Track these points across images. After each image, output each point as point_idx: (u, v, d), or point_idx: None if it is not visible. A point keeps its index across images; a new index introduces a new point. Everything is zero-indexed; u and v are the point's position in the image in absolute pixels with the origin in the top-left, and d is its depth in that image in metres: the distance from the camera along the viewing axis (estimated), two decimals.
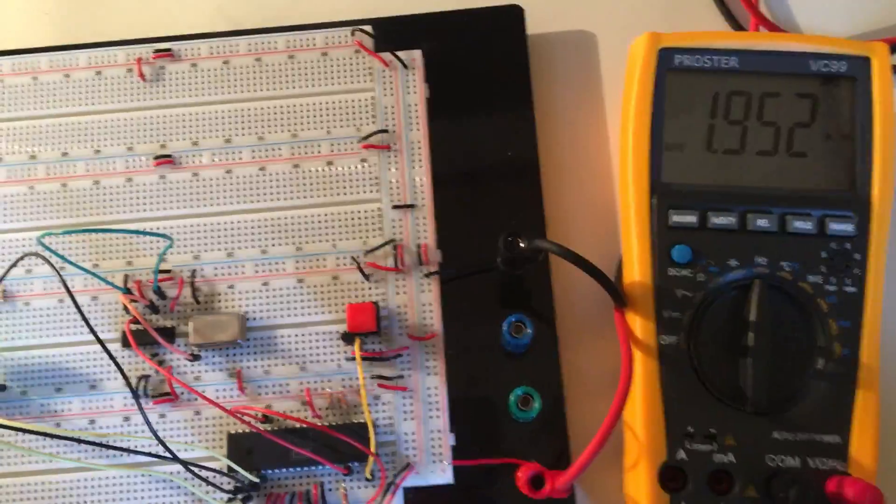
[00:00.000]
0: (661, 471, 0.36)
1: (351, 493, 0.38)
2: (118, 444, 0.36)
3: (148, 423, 0.34)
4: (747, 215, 0.37)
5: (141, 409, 0.33)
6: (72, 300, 0.33)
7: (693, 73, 0.39)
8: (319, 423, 0.38)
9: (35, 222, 0.41)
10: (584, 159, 0.44)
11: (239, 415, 0.37)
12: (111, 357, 0.34)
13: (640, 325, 0.37)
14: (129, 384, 0.34)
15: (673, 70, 0.39)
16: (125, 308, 0.40)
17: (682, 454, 0.36)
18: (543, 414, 0.38)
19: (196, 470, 0.37)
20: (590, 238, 0.42)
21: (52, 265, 0.34)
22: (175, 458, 0.35)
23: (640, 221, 0.37)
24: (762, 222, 0.37)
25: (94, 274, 0.37)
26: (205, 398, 0.36)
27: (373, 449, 0.36)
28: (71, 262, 0.36)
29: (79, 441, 0.35)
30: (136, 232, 0.35)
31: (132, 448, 0.36)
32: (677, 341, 0.36)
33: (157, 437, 0.34)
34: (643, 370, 0.36)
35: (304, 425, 0.38)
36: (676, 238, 0.37)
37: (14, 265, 0.37)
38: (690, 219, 0.37)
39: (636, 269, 0.37)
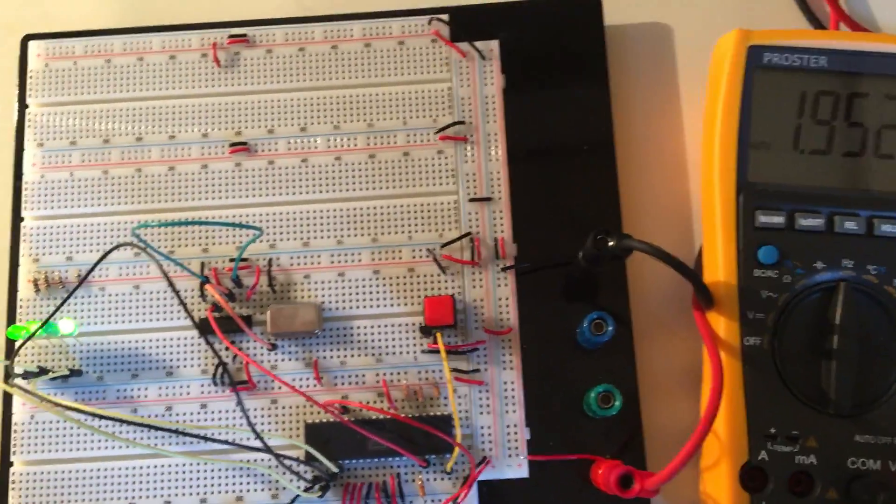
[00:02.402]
0: (742, 471, 0.36)
1: (427, 486, 0.38)
2: (203, 434, 0.37)
3: (244, 412, 0.35)
4: (834, 217, 0.37)
5: (239, 399, 0.34)
6: (171, 288, 0.34)
7: (781, 72, 0.38)
8: (401, 415, 0.38)
9: (109, 207, 0.41)
10: (659, 153, 0.43)
11: (328, 406, 0.37)
12: (210, 346, 0.34)
13: (723, 325, 0.37)
14: (230, 379, 0.34)
15: (761, 68, 0.38)
16: (202, 296, 0.40)
17: (763, 455, 0.36)
18: (619, 411, 0.38)
19: (273, 459, 0.37)
20: (663, 232, 0.42)
21: (150, 255, 0.34)
22: (266, 449, 0.35)
23: (725, 221, 0.37)
24: (850, 225, 0.37)
25: (180, 265, 0.37)
26: (294, 389, 0.36)
27: (458, 440, 0.36)
28: (162, 254, 0.36)
29: (166, 430, 0.35)
30: (232, 224, 0.35)
31: (213, 437, 0.36)
32: (761, 342, 0.36)
33: (252, 427, 0.34)
34: (726, 371, 0.36)
35: (384, 416, 0.38)
36: (763, 239, 0.37)
37: (106, 255, 0.36)
38: (778, 219, 0.37)
39: (721, 269, 0.37)
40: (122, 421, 0.36)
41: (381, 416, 0.38)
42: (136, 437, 0.38)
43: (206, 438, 0.36)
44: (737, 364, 0.36)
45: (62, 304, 0.37)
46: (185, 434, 0.37)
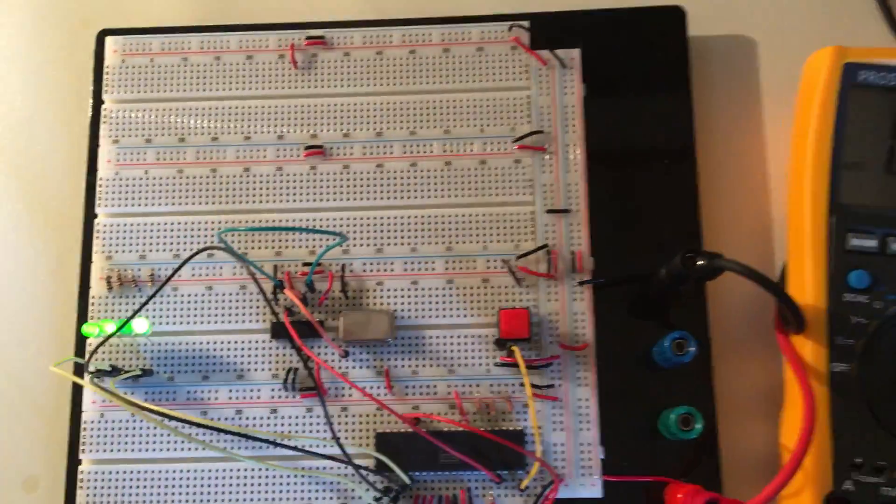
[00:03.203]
0: (825, 501, 0.35)
1: (498, 502, 0.37)
2: (277, 440, 0.36)
3: (328, 419, 0.34)
4: None
5: (323, 404, 0.34)
6: (259, 290, 0.34)
7: (877, 91, 0.37)
8: (478, 429, 0.37)
9: (184, 206, 0.41)
10: (741, 168, 0.42)
11: (407, 419, 0.36)
12: (296, 348, 0.34)
13: (810, 350, 0.36)
14: (314, 383, 0.33)
15: (856, 86, 0.37)
16: (275, 299, 0.39)
17: (848, 485, 0.35)
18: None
19: (343, 467, 0.36)
20: (743, 250, 0.41)
21: (237, 256, 0.34)
22: (346, 457, 0.35)
23: (815, 243, 0.36)
24: None
25: (259, 269, 0.37)
26: (372, 398, 0.35)
27: (538, 454, 0.35)
28: (244, 259, 0.35)
29: (242, 436, 0.34)
30: (315, 231, 0.34)
31: (287, 443, 0.36)
32: (849, 369, 0.35)
33: (334, 435, 0.35)
34: None
35: (462, 428, 0.37)
36: (854, 262, 0.36)
37: (192, 256, 0.36)
38: (870, 243, 0.36)
39: (808, 292, 0.36)
40: (199, 425, 0.35)
41: (455, 429, 0.38)
42: (207, 440, 0.38)
43: (280, 445, 0.36)
44: (823, 390, 0.35)
45: (144, 305, 0.37)
46: (258, 440, 0.36)
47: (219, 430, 0.33)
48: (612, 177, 0.41)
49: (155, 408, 0.31)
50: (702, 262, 0.34)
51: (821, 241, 0.36)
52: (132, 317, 0.36)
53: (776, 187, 0.42)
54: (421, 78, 0.42)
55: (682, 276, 0.35)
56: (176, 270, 0.37)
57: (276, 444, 0.35)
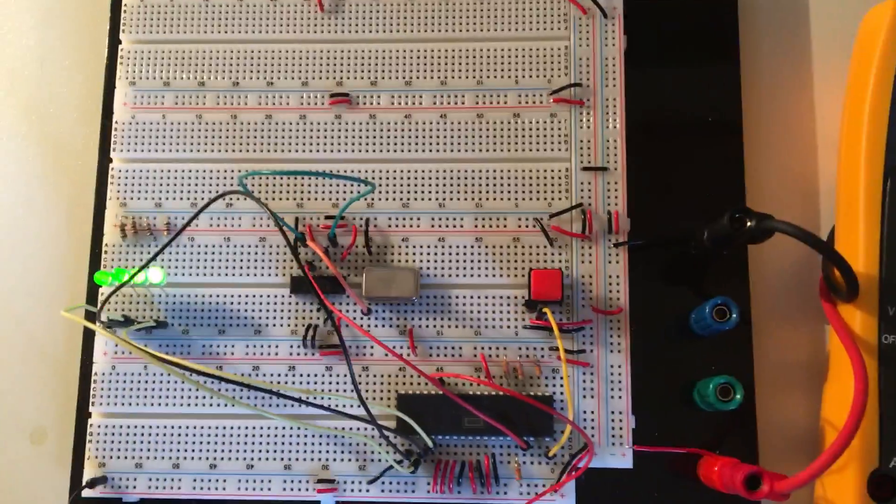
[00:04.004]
0: (870, 478, 0.33)
1: (524, 469, 0.36)
2: (302, 398, 0.35)
3: (353, 378, 0.33)
4: None
5: (348, 362, 0.32)
6: (286, 241, 0.32)
7: None
8: (511, 390, 0.35)
9: (203, 153, 0.39)
10: (787, 128, 0.40)
11: (433, 379, 0.34)
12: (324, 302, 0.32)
13: (859, 320, 0.34)
14: (338, 341, 0.32)
15: None
16: (294, 253, 0.37)
17: (895, 462, 0.33)
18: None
19: (362, 428, 0.35)
20: (787, 214, 0.38)
21: (258, 202, 0.33)
22: (372, 421, 0.33)
23: (868, 207, 0.34)
24: None
25: (280, 220, 0.35)
26: (400, 357, 0.33)
27: (572, 416, 0.34)
28: (263, 205, 0.33)
29: (265, 392, 0.33)
30: (338, 177, 0.32)
31: (311, 401, 0.34)
32: None
33: (359, 395, 0.33)
34: None
35: (486, 392, 0.36)
36: None
37: (213, 201, 0.34)
38: None
39: (860, 260, 0.34)
40: (226, 380, 0.33)
41: (480, 392, 0.36)
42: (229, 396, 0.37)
43: (304, 402, 0.34)
44: (872, 363, 0.33)
45: (160, 251, 0.35)
46: (287, 397, 0.34)
47: (245, 386, 0.32)
48: (653, 134, 0.39)
49: (179, 360, 0.30)
50: (751, 224, 0.32)
51: (875, 205, 0.34)
52: (147, 264, 0.35)
53: (824, 149, 0.40)
54: (453, 24, 0.40)
55: (729, 237, 0.33)
56: (196, 215, 0.35)
57: (304, 403, 0.34)
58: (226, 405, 0.37)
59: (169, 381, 0.37)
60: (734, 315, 0.35)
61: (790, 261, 0.38)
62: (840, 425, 0.34)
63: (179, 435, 0.37)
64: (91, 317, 0.37)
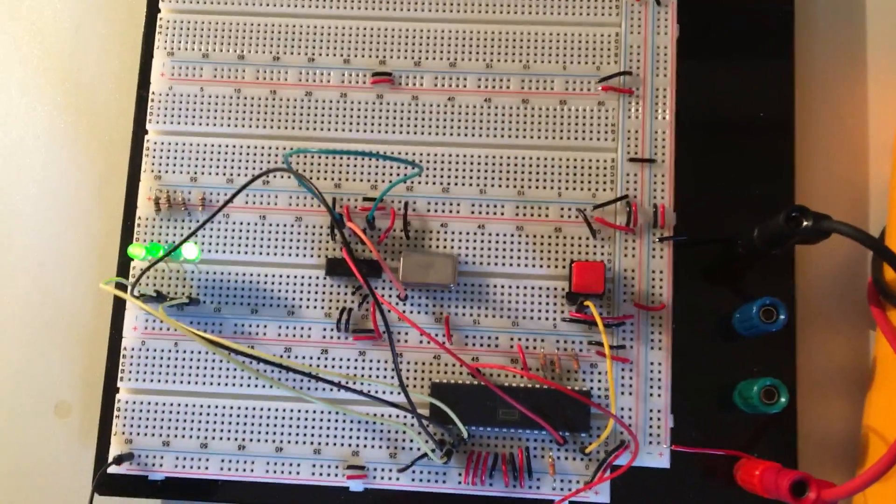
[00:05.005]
0: None
1: (558, 465, 0.35)
2: (340, 382, 0.34)
3: (396, 363, 0.32)
4: None
5: (392, 347, 0.31)
6: (332, 219, 0.31)
7: None
8: (552, 382, 0.35)
9: (240, 129, 0.38)
10: (839, 128, 0.39)
11: (474, 369, 0.34)
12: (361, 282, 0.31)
13: None
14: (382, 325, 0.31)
15: None
16: (332, 234, 0.37)
17: None
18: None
19: (395, 415, 0.34)
20: (835, 215, 0.38)
21: (305, 182, 0.32)
22: (410, 409, 0.32)
23: None
24: None
25: (323, 201, 0.34)
26: (440, 344, 0.33)
27: (613, 411, 0.33)
28: (310, 186, 0.33)
29: (323, 380, 0.31)
30: (387, 157, 0.31)
31: (348, 385, 0.33)
32: None
33: (401, 382, 0.32)
34: None
35: (522, 384, 0.35)
36: None
37: (256, 178, 0.33)
38: None
39: None
40: (267, 362, 0.31)
41: (516, 384, 0.35)
42: (250, 377, 0.36)
43: (343, 387, 0.33)
44: None
45: (199, 228, 0.34)
46: (328, 381, 0.33)
47: (285, 369, 0.31)
48: (703, 128, 0.38)
49: (221, 340, 0.29)
50: (808, 224, 0.31)
51: None
52: (185, 240, 0.34)
53: (876, 150, 0.39)
54: (501, 6, 0.39)
55: (782, 237, 0.32)
56: (239, 191, 0.34)
57: (342, 387, 0.33)
58: (257, 386, 0.36)
59: (199, 359, 0.37)
60: (782, 316, 0.34)
61: (836, 263, 0.37)
62: (884, 433, 0.33)
63: (208, 414, 0.36)
64: (124, 291, 0.37)
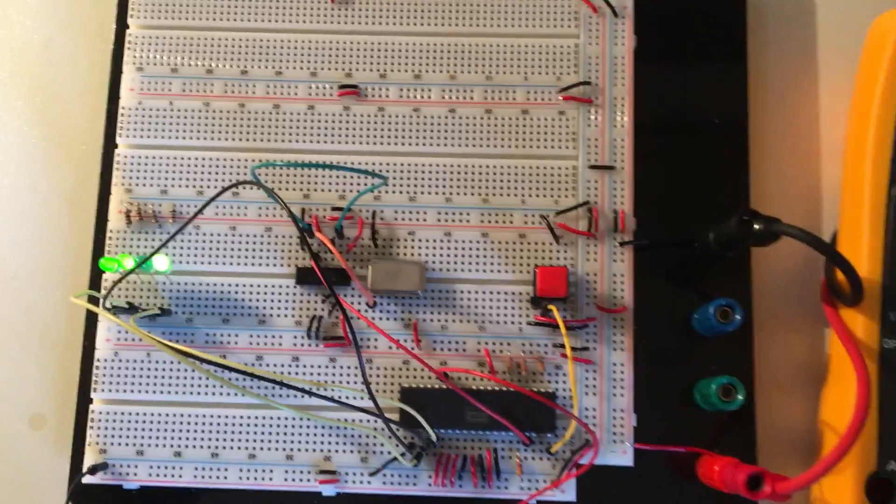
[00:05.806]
0: (868, 481, 0.33)
1: (525, 465, 0.36)
2: (309, 389, 0.34)
3: (363, 370, 0.33)
4: None
5: (359, 353, 0.32)
6: (299, 230, 0.32)
7: None
8: (515, 384, 0.35)
9: (210, 141, 0.39)
10: (792, 132, 0.40)
11: (440, 374, 0.35)
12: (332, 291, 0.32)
13: (861, 324, 0.34)
14: (350, 334, 0.32)
15: None
16: (301, 244, 0.37)
17: (892, 465, 0.34)
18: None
19: (365, 420, 0.35)
20: (789, 219, 0.39)
21: (272, 195, 0.33)
22: (379, 414, 0.33)
23: (872, 214, 0.35)
24: None
25: (288, 210, 0.34)
26: (408, 351, 0.33)
27: (576, 413, 0.34)
28: (276, 198, 0.33)
29: (290, 387, 0.31)
30: (350, 169, 0.32)
31: (315, 392, 0.34)
32: None
33: (368, 387, 0.33)
34: None
35: (488, 387, 0.36)
36: None
37: (222, 192, 0.34)
38: None
39: (863, 265, 0.34)
40: (236, 371, 0.31)
41: (483, 387, 0.36)
42: (222, 386, 0.37)
43: (311, 394, 0.34)
44: (872, 367, 0.34)
45: (169, 240, 0.35)
46: (294, 388, 0.33)
47: (253, 376, 0.31)
48: (661, 135, 0.39)
49: (189, 350, 0.29)
50: (759, 227, 0.32)
51: (878, 212, 0.34)
52: (156, 252, 0.35)
53: (828, 155, 0.40)
54: (463, 19, 0.40)
55: (736, 240, 0.33)
56: (206, 205, 0.35)
57: (311, 394, 0.33)
58: (229, 394, 0.37)
59: (171, 369, 0.37)
60: (738, 316, 0.35)
61: (792, 264, 0.39)
62: (839, 428, 0.35)
63: (181, 423, 0.37)
64: (96, 303, 0.37)
